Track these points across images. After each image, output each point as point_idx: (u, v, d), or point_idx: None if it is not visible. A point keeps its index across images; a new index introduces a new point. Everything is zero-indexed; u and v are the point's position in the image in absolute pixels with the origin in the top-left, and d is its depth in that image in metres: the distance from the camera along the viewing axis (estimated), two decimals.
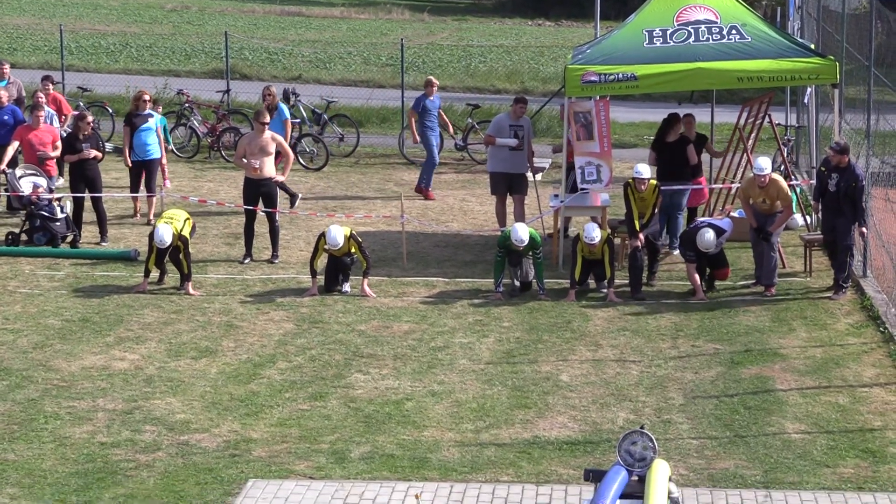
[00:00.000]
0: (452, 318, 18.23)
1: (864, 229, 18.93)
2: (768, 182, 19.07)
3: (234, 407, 14.94)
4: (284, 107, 25.42)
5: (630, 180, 19.49)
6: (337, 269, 19.43)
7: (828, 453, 13.51)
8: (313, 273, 19.32)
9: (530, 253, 19.10)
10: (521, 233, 18.81)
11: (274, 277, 20.24)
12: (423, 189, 25.81)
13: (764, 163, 19.32)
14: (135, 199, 23.86)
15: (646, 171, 19.45)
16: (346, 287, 19.44)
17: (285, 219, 22.76)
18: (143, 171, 23.33)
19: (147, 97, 23.64)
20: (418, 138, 26.14)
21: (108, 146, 24.75)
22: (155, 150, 23.33)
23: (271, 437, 14.06)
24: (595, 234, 18.83)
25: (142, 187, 23.49)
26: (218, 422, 14.51)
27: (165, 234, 19.04)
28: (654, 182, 19.58)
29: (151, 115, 23.46)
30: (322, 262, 19.48)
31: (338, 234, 18.90)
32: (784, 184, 19.35)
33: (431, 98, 26.24)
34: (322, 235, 19.22)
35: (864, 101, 20.41)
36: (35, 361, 16.46)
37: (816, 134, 24.94)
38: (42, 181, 22.14)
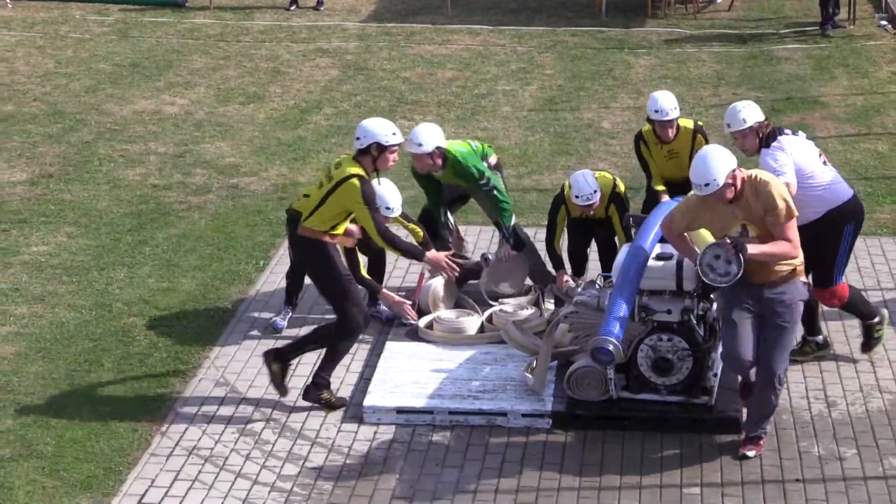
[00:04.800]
0: (495, 65, 18.11)
1: None
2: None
3: (282, 151, 14.99)
4: None
5: (647, 125, 11.53)
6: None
7: (865, 199, 13.38)
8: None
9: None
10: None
11: (320, 24, 20.09)
12: None
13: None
14: None
15: (668, 101, 11.17)
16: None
17: None
18: None
19: None
20: None
21: None
22: None
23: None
24: (590, 187, 10.84)
25: None
26: (266, 166, 14.58)
27: None
28: (690, 125, 11.39)
29: None
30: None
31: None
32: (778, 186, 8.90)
33: None
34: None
35: None
36: (88, 105, 16.51)
37: None
38: None
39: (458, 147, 11.04)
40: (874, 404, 9.69)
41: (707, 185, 8.55)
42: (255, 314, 11.23)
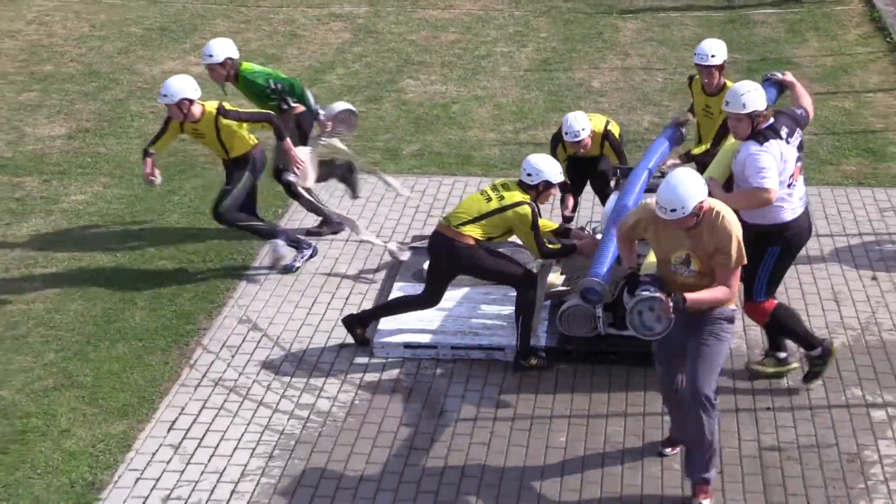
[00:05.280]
0: (495, 28, 18.09)
1: None
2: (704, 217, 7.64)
3: None
4: None
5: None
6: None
7: (833, 153, 13.52)
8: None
9: None
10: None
11: None
12: None
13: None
14: None
15: (708, 46, 10.30)
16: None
17: None
18: None
19: None
20: None
21: None
22: None
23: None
24: (578, 124, 10.59)
25: None
26: None
27: None
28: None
29: None
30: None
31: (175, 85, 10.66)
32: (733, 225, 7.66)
33: None
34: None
35: None
36: (120, 65, 16.53)
37: None
38: None
39: (251, 65, 11.32)
40: (838, 340, 9.76)
41: (673, 210, 7.45)
42: None
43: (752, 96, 8.50)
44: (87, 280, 10.94)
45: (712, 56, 10.23)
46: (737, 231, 7.58)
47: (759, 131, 8.52)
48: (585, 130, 10.53)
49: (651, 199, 7.76)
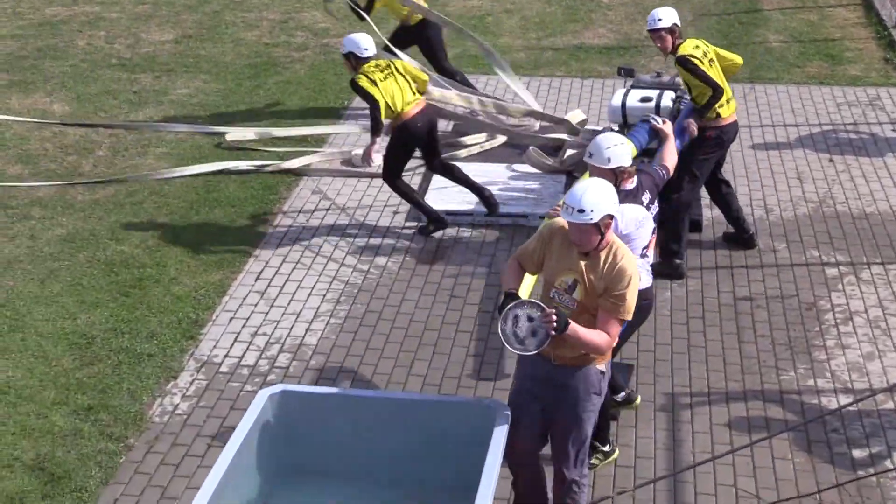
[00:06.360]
0: None
1: None
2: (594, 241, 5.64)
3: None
4: None
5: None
6: None
7: (799, 57, 13.16)
8: None
9: None
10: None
11: None
12: None
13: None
14: None
15: (656, 11, 8.51)
16: None
17: None
18: None
19: None
20: None
21: None
22: None
23: None
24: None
25: None
26: (349, 29, 14.22)
27: None
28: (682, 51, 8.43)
29: None
30: None
31: None
32: (628, 259, 5.64)
33: None
34: None
35: None
36: None
37: None
38: None
39: None
40: (801, 210, 9.58)
41: (581, 211, 5.46)
42: (342, 140, 11.14)
43: (617, 151, 6.49)
44: (191, 158, 10.81)
45: (659, 20, 8.38)
46: (634, 279, 5.57)
47: (619, 190, 6.26)
48: None
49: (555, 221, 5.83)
